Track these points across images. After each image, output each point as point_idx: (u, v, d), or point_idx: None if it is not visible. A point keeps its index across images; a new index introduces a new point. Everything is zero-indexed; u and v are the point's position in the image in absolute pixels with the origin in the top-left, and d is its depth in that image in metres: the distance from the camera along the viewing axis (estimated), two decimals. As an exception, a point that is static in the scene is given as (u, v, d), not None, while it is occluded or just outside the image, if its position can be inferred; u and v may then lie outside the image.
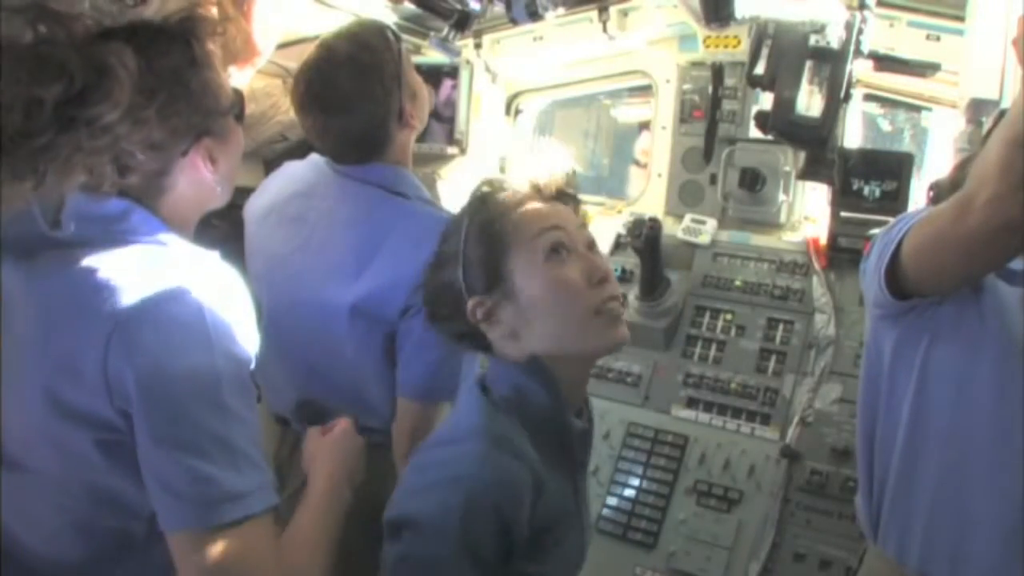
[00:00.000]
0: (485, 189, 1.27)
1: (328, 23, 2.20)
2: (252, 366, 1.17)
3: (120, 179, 1.11)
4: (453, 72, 2.76)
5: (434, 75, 2.74)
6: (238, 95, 1.28)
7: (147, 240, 1.14)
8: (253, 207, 1.92)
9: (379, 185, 1.75)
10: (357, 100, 1.69)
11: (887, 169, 2.28)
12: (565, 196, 1.28)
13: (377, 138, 1.74)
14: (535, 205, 1.23)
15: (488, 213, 1.23)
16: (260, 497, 1.10)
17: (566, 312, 1.18)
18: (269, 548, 1.11)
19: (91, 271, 1.09)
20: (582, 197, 1.35)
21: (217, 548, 1.05)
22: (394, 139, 1.76)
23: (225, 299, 1.12)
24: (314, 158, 1.87)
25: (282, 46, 2.21)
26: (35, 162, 1.00)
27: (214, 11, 1.32)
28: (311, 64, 1.72)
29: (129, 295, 1.07)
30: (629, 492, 2.24)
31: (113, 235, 1.13)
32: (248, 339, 1.15)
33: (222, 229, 3.00)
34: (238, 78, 1.67)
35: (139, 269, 1.10)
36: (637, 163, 3.92)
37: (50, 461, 1.13)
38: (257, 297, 1.90)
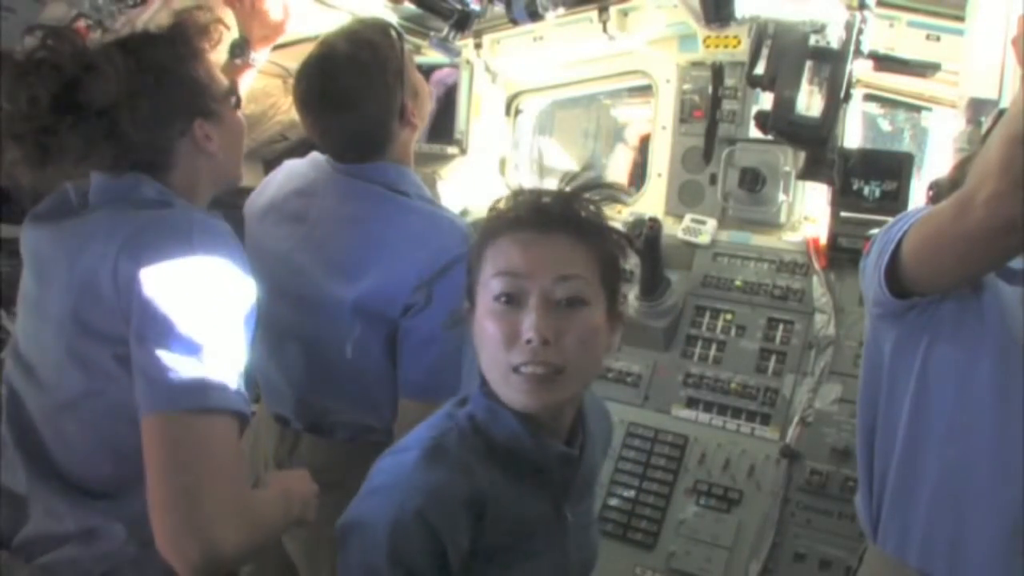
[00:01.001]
0: (501, 201, 1.23)
1: (328, 23, 2.20)
2: (250, 305, 1.32)
3: (127, 157, 1.34)
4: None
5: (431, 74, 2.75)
6: (232, 84, 1.51)
7: (156, 203, 1.35)
8: (253, 205, 1.92)
9: (381, 183, 1.74)
10: (359, 98, 1.69)
11: (887, 169, 2.28)
12: (571, 223, 1.17)
13: (379, 136, 1.74)
14: (520, 236, 1.16)
15: (484, 230, 1.21)
16: (221, 395, 1.22)
17: (488, 360, 1.17)
18: (227, 448, 1.23)
19: (107, 217, 1.32)
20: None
21: (174, 433, 1.19)
22: (396, 137, 1.76)
23: (218, 240, 1.30)
24: (315, 156, 1.86)
25: (282, 46, 2.21)
26: (39, 141, 1.26)
27: (227, 12, 1.70)
28: (313, 62, 1.71)
29: (135, 225, 1.28)
30: (629, 492, 2.24)
31: (127, 201, 1.34)
32: (238, 278, 1.30)
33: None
34: (258, 58, 1.91)
35: (146, 212, 1.32)
36: (625, 143, 3.90)
37: (78, 381, 1.29)
38: (257, 295, 1.90)
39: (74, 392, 1.30)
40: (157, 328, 1.21)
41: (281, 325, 1.76)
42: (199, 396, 1.20)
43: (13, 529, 1.33)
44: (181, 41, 1.40)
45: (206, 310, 1.24)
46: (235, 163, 1.52)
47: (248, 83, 1.94)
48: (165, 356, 1.19)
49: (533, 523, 1.20)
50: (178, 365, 1.20)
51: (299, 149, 2.81)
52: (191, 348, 1.20)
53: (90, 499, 1.31)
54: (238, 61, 1.88)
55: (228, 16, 1.87)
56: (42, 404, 1.35)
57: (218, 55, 1.51)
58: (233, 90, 1.50)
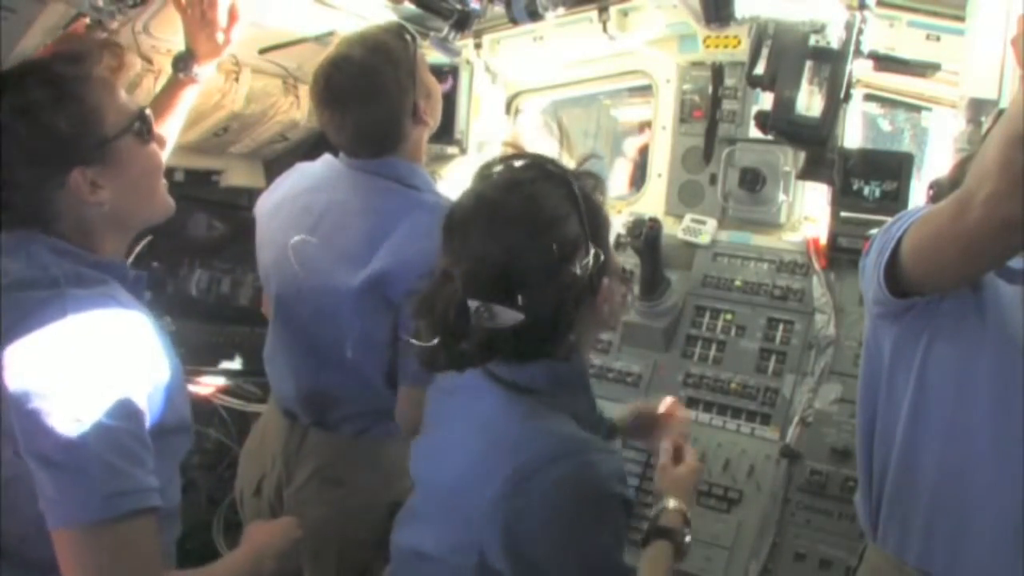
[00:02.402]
0: (583, 170, 1.29)
1: (328, 23, 2.20)
2: (159, 378, 1.24)
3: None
4: (453, 72, 2.77)
5: (434, 75, 2.74)
6: (139, 112, 1.31)
7: (40, 275, 1.22)
8: (264, 204, 1.95)
9: (392, 178, 1.79)
10: (374, 97, 1.73)
11: (887, 169, 2.28)
12: None
13: (392, 134, 1.78)
14: None
15: (595, 198, 1.26)
16: (118, 502, 1.16)
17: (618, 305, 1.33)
18: (138, 547, 1.18)
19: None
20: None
21: (77, 547, 1.16)
22: (408, 136, 1.80)
23: (98, 322, 1.20)
24: (327, 158, 1.90)
25: (282, 46, 2.21)
26: None
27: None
28: (331, 61, 1.75)
29: (9, 319, 1.18)
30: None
31: (16, 269, 1.23)
32: (132, 355, 1.22)
33: (220, 231, 3.01)
34: (202, 72, 1.78)
35: (28, 296, 1.20)
36: (624, 155, 3.93)
37: (8, 467, 1.21)
38: (267, 290, 1.93)
39: (9, 479, 1.23)
40: (41, 443, 1.15)
41: (289, 317, 1.80)
42: (96, 509, 1.15)
43: None
44: (42, 83, 1.20)
45: (90, 412, 1.15)
46: (145, 202, 1.35)
47: (191, 99, 1.81)
48: (54, 473, 1.15)
49: None
50: (68, 479, 1.15)
51: (299, 149, 2.82)
52: (79, 460, 1.14)
53: (36, 574, 1.27)
54: (181, 75, 1.76)
55: (179, 26, 1.80)
56: None
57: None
58: (139, 118, 1.30)
